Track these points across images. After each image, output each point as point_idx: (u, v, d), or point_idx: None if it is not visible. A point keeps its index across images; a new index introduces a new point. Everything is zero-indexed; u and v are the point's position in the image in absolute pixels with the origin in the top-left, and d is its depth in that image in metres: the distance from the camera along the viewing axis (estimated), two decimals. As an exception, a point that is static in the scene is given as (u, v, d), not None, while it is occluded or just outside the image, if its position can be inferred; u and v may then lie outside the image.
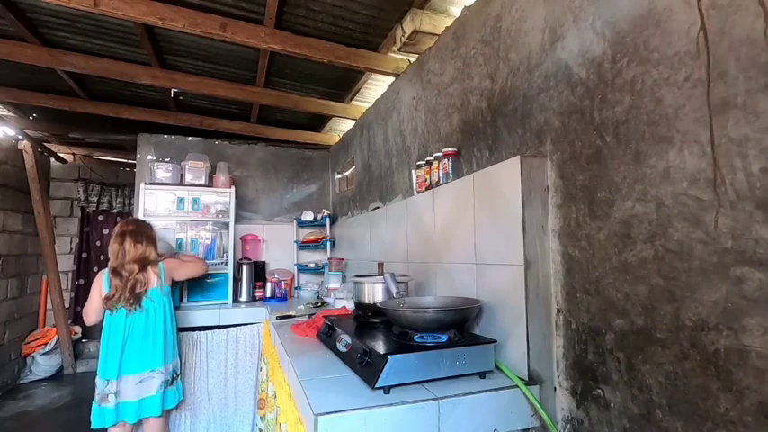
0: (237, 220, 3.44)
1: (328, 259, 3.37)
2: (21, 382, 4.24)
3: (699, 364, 0.86)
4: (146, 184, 3.07)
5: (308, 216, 3.75)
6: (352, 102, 3.20)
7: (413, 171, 2.08)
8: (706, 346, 0.85)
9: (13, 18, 2.21)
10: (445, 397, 1.10)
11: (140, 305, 2.16)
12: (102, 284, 2.17)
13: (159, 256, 2.32)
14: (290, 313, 2.45)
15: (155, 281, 2.23)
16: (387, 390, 1.12)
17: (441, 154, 1.80)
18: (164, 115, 3.57)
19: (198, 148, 3.55)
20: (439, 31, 1.99)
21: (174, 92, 3.18)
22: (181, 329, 2.53)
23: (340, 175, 3.81)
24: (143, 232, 2.27)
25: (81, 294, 4.97)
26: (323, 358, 1.48)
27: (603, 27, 1.09)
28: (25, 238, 4.35)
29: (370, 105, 3.06)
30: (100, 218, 5.11)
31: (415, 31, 1.98)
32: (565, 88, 1.22)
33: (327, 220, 3.64)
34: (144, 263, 2.20)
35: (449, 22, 1.95)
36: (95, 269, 5.09)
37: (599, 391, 1.09)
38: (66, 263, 4.90)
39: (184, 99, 3.41)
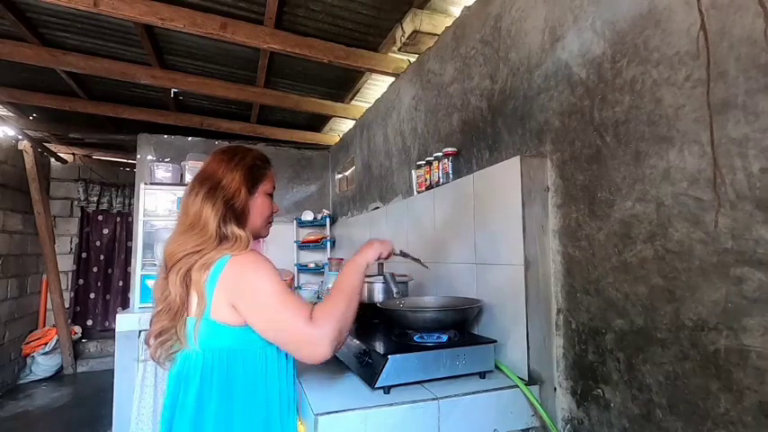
0: (237, 220, 3.43)
1: (328, 259, 3.36)
2: (21, 382, 4.24)
3: (699, 364, 0.86)
4: (146, 184, 3.07)
5: (308, 216, 3.75)
6: (353, 102, 3.19)
7: (413, 171, 2.08)
8: (706, 346, 0.84)
9: (13, 18, 2.21)
10: (445, 397, 1.10)
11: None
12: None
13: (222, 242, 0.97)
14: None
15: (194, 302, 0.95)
16: (387, 390, 1.12)
17: (441, 154, 1.80)
18: (164, 115, 3.56)
19: (198, 148, 3.55)
20: (439, 31, 1.99)
21: (174, 92, 3.18)
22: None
23: (340, 175, 3.81)
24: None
25: (81, 294, 4.97)
26: (323, 358, 1.48)
27: (603, 27, 1.09)
28: (25, 238, 4.34)
29: (370, 105, 3.06)
30: (100, 218, 5.11)
31: (415, 31, 1.98)
32: (565, 88, 1.22)
33: (327, 220, 3.64)
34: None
35: (449, 22, 1.95)
36: (95, 269, 5.09)
37: (599, 391, 1.09)
38: (66, 263, 4.89)
39: (184, 99, 3.40)
